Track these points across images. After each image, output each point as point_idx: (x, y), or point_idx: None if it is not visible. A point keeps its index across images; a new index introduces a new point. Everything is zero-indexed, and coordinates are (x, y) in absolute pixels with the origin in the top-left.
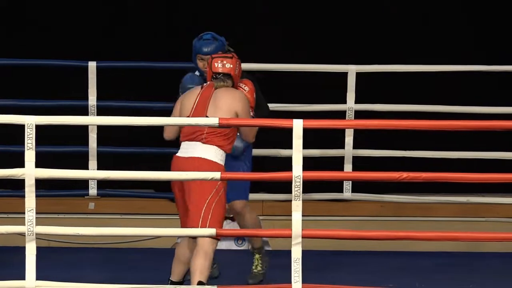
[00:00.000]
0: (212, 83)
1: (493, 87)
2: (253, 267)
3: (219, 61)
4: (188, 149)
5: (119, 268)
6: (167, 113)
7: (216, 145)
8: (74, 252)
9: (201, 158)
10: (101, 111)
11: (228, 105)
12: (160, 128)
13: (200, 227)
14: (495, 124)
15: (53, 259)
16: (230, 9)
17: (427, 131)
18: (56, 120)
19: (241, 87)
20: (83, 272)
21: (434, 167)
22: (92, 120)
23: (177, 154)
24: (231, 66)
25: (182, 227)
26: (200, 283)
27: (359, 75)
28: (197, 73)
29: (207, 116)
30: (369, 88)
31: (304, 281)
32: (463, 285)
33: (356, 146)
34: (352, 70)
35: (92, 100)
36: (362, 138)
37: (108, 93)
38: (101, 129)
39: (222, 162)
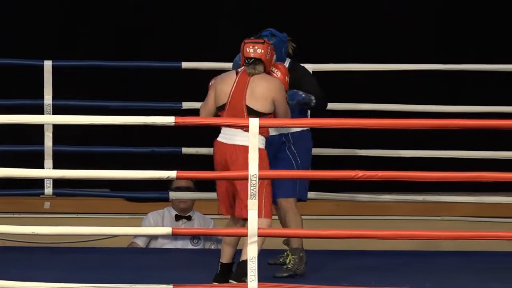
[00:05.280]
0: (246, 69)
1: (450, 86)
2: (287, 262)
3: (251, 46)
4: (230, 136)
5: (75, 268)
6: (124, 111)
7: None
8: (30, 251)
9: (244, 146)
10: (56, 110)
11: (266, 92)
12: (115, 127)
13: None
14: (450, 123)
15: (8, 258)
16: (191, 8)
17: (383, 129)
18: (11, 119)
19: (273, 72)
20: (38, 272)
21: (390, 166)
22: (48, 119)
23: (219, 140)
24: (262, 51)
25: (223, 207)
26: (243, 262)
27: (315, 74)
28: None
29: (246, 105)
30: (325, 87)
31: (260, 280)
32: (419, 284)
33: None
34: (308, 69)
35: (48, 99)
36: (318, 137)
37: (63, 92)
38: (56, 128)
39: (263, 146)
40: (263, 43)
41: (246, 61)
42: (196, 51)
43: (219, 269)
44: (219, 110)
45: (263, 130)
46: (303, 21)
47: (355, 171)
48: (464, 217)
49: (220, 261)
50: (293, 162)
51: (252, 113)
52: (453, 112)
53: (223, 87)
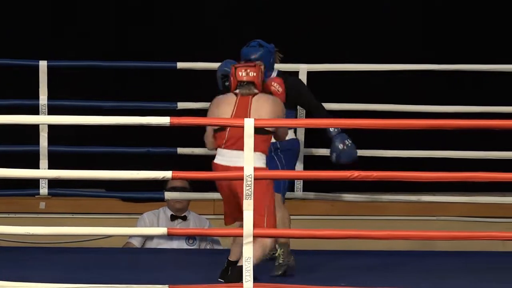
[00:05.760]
0: (240, 91)
1: (446, 86)
2: (277, 257)
3: (243, 70)
4: (232, 158)
5: (70, 268)
6: (119, 111)
7: (260, 151)
8: (25, 251)
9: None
10: (51, 110)
11: (270, 111)
12: (111, 127)
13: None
14: (445, 123)
15: (3, 258)
16: (190, 8)
17: (378, 130)
18: (6, 119)
19: (274, 86)
20: (34, 272)
21: (385, 166)
22: (43, 119)
23: (220, 163)
24: (255, 74)
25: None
26: (239, 267)
27: (310, 74)
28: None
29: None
30: (320, 87)
31: (256, 280)
32: (415, 284)
33: (307, 145)
34: (303, 69)
35: (43, 99)
36: (313, 137)
37: (59, 92)
38: (52, 128)
39: (263, 164)
40: (254, 66)
41: (239, 84)
42: (191, 51)
43: (226, 265)
44: (219, 131)
45: (262, 147)
46: (300, 21)
47: (350, 171)
48: (459, 217)
49: (228, 258)
50: (277, 162)
51: (258, 131)
52: (448, 112)
53: (223, 108)
